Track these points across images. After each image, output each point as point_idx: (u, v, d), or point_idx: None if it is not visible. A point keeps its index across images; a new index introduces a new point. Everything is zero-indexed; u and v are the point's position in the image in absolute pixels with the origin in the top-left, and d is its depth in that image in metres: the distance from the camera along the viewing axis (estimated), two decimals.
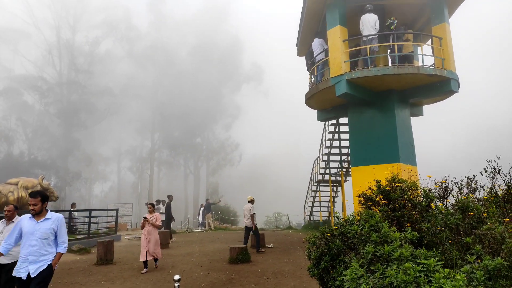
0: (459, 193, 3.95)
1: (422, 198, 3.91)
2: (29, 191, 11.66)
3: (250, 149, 55.89)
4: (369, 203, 4.17)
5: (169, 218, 14.67)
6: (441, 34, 10.50)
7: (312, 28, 12.74)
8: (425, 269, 2.53)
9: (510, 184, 3.95)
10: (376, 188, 4.16)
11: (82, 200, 44.66)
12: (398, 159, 10.07)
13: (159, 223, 8.75)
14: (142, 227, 8.61)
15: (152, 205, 9.04)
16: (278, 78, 61.56)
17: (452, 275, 2.39)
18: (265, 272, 7.76)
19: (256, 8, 71.56)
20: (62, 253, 4.26)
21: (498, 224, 3.00)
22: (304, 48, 14.01)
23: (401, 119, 10.71)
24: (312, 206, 17.98)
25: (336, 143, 14.93)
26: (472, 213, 3.35)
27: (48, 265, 4.06)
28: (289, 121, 64.39)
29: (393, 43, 10.37)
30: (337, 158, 15.21)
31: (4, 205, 9.30)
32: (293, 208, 27.63)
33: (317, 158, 16.39)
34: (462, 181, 4.05)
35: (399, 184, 4.03)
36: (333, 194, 15.94)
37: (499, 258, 2.51)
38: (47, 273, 4.05)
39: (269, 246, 11.45)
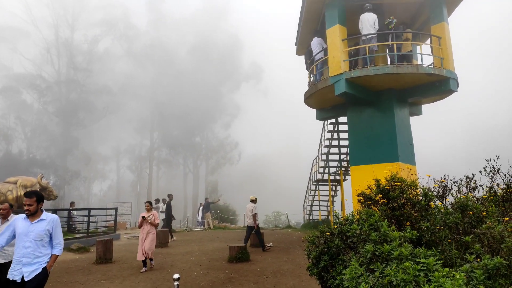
0: (458, 192, 3.96)
1: (421, 197, 3.92)
2: (28, 189, 11.63)
3: (250, 148, 56.02)
4: (368, 202, 4.18)
5: (169, 217, 14.67)
6: (440, 33, 10.51)
7: (311, 27, 12.71)
8: (425, 268, 2.53)
9: (509, 183, 3.96)
10: (375, 187, 4.17)
11: (81, 199, 44.67)
12: (397, 158, 10.08)
13: (157, 221, 8.69)
14: (140, 226, 8.50)
15: (150, 203, 8.88)
16: (278, 77, 61.66)
17: (452, 274, 2.39)
18: (264, 271, 7.77)
19: (255, 8, 71.58)
20: (58, 255, 4.10)
21: (497, 223, 3.01)
22: (303, 47, 13.99)
23: (400, 118, 10.71)
24: (311, 205, 17.98)
25: (335, 142, 14.94)
26: (471, 212, 3.36)
27: (43, 268, 3.92)
28: (288, 120, 64.55)
29: (392, 42, 10.37)
30: (336, 157, 15.24)
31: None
32: (292, 207, 27.64)
33: (316, 157, 16.39)
34: (461, 180, 4.06)
35: (398, 183, 4.03)
36: (332, 193, 15.94)
37: (498, 257, 2.51)
38: (42, 276, 3.91)
39: (269, 245, 11.45)
